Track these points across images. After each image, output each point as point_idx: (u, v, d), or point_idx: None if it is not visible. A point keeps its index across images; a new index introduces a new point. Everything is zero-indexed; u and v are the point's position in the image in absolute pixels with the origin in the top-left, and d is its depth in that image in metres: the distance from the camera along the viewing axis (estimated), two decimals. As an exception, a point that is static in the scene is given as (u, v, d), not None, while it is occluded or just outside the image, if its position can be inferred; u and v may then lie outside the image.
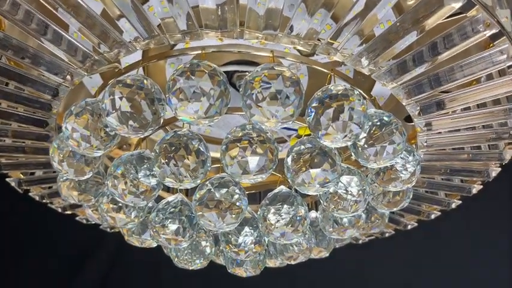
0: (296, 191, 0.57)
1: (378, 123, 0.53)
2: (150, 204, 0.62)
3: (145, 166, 0.55)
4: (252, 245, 0.60)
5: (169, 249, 0.67)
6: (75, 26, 0.47)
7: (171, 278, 1.23)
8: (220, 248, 0.64)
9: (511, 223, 1.27)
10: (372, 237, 0.95)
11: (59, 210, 0.85)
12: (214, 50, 0.53)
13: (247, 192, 0.55)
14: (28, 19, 0.46)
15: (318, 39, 0.48)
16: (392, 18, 0.52)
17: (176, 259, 0.66)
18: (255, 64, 0.60)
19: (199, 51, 0.53)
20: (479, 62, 0.49)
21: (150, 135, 0.52)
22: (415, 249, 1.31)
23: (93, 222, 0.81)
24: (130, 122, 0.48)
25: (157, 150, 0.50)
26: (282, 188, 0.59)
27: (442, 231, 1.21)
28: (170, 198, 0.59)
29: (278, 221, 0.56)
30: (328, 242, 0.72)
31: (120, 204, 0.60)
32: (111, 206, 0.60)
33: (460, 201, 0.79)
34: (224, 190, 0.53)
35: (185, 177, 0.50)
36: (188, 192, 0.79)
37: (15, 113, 0.60)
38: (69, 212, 0.86)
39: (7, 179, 0.76)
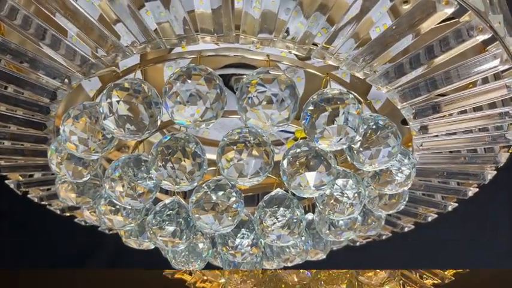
0: (293, 193, 0.57)
1: (373, 127, 0.53)
2: (147, 207, 0.63)
3: (142, 169, 0.55)
4: (249, 247, 0.60)
5: (167, 251, 0.67)
6: (73, 31, 0.47)
7: (170, 278, 1.24)
8: (218, 250, 0.64)
9: (507, 225, 1.27)
10: (369, 240, 0.95)
11: (58, 212, 0.85)
12: (211, 54, 0.53)
13: (245, 195, 0.55)
14: (26, 24, 0.46)
15: (314, 44, 0.48)
16: (388, 21, 0.52)
17: (173, 261, 0.67)
18: (253, 67, 0.60)
19: (197, 55, 0.53)
20: (473, 66, 0.49)
21: (147, 138, 0.52)
22: (412, 252, 1.31)
23: (92, 224, 0.82)
24: (128, 125, 0.48)
25: (154, 153, 0.50)
26: (279, 191, 0.59)
27: (438, 233, 1.21)
28: (167, 200, 0.59)
29: (274, 223, 0.56)
30: (324, 244, 0.72)
31: (118, 207, 0.60)
32: (108, 208, 0.60)
33: (457, 204, 0.79)
34: (221, 193, 0.53)
35: (182, 179, 0.50)
36: (186, 195, 0.80)
37: (14, 116, 0.60)
38: (67, 214, 0.86)
39: (6, 181, 0.76)
